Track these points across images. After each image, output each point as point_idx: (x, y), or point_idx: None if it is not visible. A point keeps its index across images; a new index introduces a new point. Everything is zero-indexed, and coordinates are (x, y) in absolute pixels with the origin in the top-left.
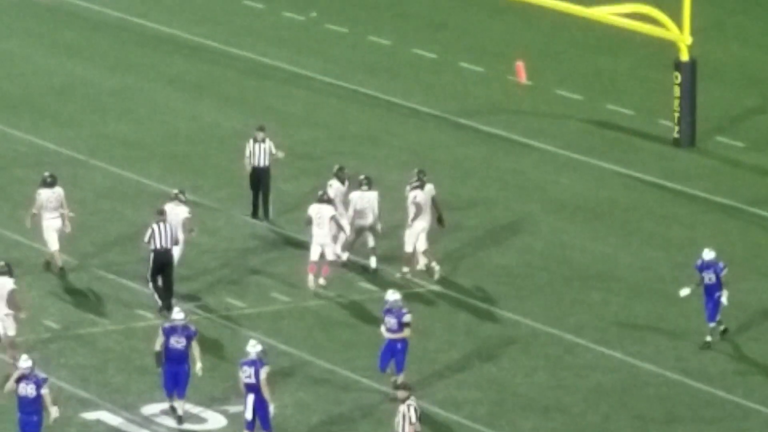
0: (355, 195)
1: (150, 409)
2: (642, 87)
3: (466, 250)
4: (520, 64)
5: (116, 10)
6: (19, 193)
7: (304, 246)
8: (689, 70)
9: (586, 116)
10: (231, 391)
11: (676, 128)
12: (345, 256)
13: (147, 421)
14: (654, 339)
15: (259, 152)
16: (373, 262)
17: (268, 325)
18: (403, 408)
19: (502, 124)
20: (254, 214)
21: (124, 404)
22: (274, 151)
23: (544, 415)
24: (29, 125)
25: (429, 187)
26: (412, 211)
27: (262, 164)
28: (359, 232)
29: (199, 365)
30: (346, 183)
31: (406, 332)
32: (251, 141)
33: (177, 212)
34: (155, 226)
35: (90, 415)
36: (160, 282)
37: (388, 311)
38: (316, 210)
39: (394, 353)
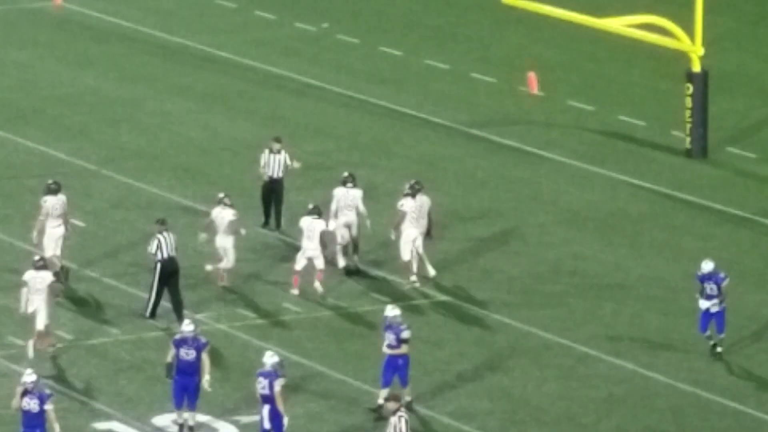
0: (339, 191)
1: (161, 419)
2: (654, 98)
3: (477, 260)
4: (532, 75)
5: (128, 21)
6: (30, 203)
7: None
8: (701, 81)
9: (598, 127)
10: (242, 401)
11: (688, 139)
12: (342, 263)
13: (158, 431)
14: (665, 350)
15: (274, 163)
16: (352, 260)
17: (280, 335)
18: (394, 420)
19: (513, 134)
20: (266, 224)
21: (136, 415)
22: (290, 161)
23: (555, 426)
24: (41, 135)
25: (423, 198)
26: (396, 217)
27: (276, 175)
28: (346, 228)
29: (206, 378)
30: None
31: (404, 348)
32: (266, 151)
33: (223, 215)
34: (160, 236)
35: (101, 426)
36: (166, 293)
37: (388, 327)
38: (307, 223)
39: (397, 369)
